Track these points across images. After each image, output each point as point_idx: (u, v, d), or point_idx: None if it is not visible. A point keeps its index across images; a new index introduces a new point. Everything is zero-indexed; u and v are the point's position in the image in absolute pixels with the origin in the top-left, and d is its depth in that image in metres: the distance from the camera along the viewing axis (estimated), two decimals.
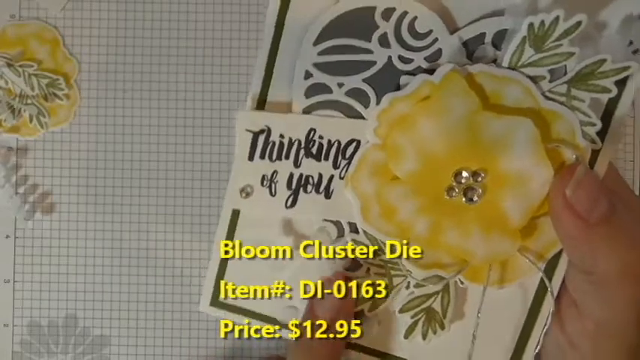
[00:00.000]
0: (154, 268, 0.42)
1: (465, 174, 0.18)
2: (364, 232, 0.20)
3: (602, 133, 0.19)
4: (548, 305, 0.20)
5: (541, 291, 0.20)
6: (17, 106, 0.42)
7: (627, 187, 0.21)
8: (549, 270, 0.20)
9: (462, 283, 0.20)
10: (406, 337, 0.21)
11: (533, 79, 0.18)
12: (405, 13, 0.19)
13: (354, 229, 0.20)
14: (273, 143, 0.21)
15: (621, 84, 0.18)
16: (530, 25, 0.17)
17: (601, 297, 0.20)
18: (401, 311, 0.20)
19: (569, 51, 0.18)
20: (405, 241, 0.19)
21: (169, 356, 0.42)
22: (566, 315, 0.22)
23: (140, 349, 0.42)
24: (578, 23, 0.17)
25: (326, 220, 0.20)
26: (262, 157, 0.21)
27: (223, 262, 0.21)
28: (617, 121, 0.19)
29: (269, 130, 0.21)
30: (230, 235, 0.22)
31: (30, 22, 0.43)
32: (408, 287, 0.20)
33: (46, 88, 0.42)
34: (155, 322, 0.42)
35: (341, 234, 0.21)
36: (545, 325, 0.21)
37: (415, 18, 0.19)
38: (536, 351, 0.21)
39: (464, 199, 0.19)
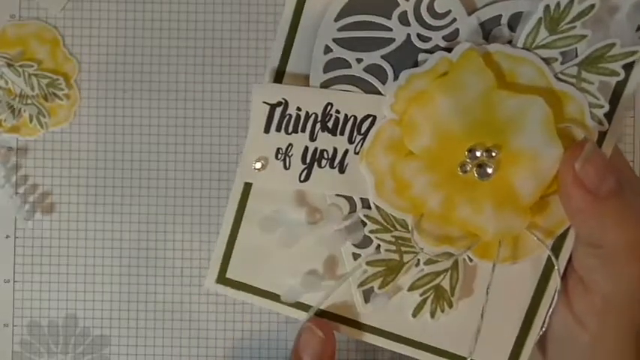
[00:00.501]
0: (154, 268, 0.42)
1: (478, 150, 0.19)
2: (377, 207, 0.20)
3: (609, 115, 0.20)
4: (554, 283, 0.21)
5: (548, 269, 0.21)
6: (17, 106, 0.42)
7: (630, 168, 0.22)
8: (557, 248, 0.21)
9: (470, 260, 0.20)
10: (414, 315, 0.21)
11: (546, 61, 0.19)
12: None
13: (366, 204, 0.20)
14: (290, 116, 0.20)
15: (629, 67, 0.19)
16: (547, 6, 0.18)
17: (608, 272, 0.20)
18: (410, 289, 0.20)
19: (582, 34, 0.18)
20: (417, 217, 0.20)
21: (169, 356, 0.42)
22: (573, 293, 0.22)
23: (140, 349, 0.42)
24: (592, 6, 0.18)
25: (338, 195, 0.21)
26: (278, 129, 0.21)
27: (231, 239, 0.21)
28: (624, 104, 0.20)
29: (286, 103, 0.20)
30: (241, 210, 0.22)
31: (30, 22, 0.43)
32: (417, 264, 0.20)
33: (46, 88, 0.42)
34: (155, 322, 0.42)
35: (353, 209, 0.21)
36: (551, 303, 0.21)
37: None
38: (543, 329, 0.21)
39: (476, 175, 0.19)
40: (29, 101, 0.42)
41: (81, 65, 0.43)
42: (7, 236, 0.43)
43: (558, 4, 0.18)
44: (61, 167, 0.43)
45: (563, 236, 0.21)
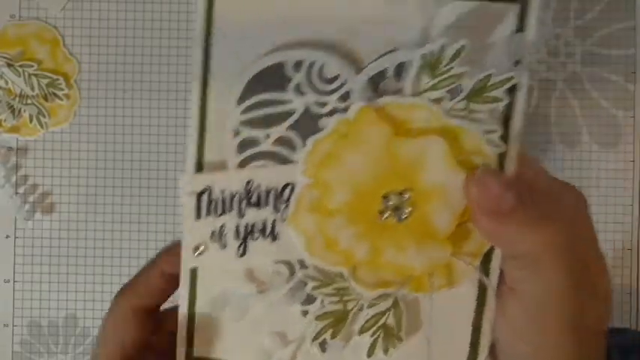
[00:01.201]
0: None
1: (392, 196, 0.21)
2: (313, 265, 0.22)
3: (504, 137, 0.21)
4: (491, 300, 0.22)
5: (483, 288, 0.22)
6: (17, 106, 0.42)
7: (542, 172, 0.23)
8: (485, 266, 0.22)
9: (409, 295, 0.22)
10: (369, 355, 0.22)
11: (435, 101, 0.21)
12: (313, 62, 0.21)
13: (303, 265, 0.22)
14: (216, 200, 0.22)
15: (512, 91, 0.21)
16: (423, 55, 0.20)
17: (535, 278, 0.21)
18: (360, 332, 0.22)
19: (460, 72, 0.20)
20: (350, 267, 0.21)
21: None
22: (508, 306, 0.22)
23: None
24: (462, 47, 0.20)
25: (277, 261, 0.22)
26: (208, 214, 0.22)
27: (191, 320, 0.23)
28: (516, 124, 0.21)
29: (210, 189, 0.22)
30: (193, 294, 0.23)
31: (30, 22, 0.43)
32: (361, 309, 0.22)
33: (46, 88, 0.42)
34: None
35: (292, 272, 0.22)
36: (491, 319, 0.22)
37: (323, 65, 0.21)
38: (489, 344, 0.22)
39: (395, 218, 0.21)
40: (29, 101, 0.42)
41: (81, 65, 0.43)
42: (7, 236, 0.43)
43: (432, 52, 0.20)
44: (61, 167, 0.43)
45: (489, 254, 0.22)
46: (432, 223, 0.21)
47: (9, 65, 0.42)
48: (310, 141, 0.21)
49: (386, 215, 0.20)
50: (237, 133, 0.22)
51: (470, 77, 0.20)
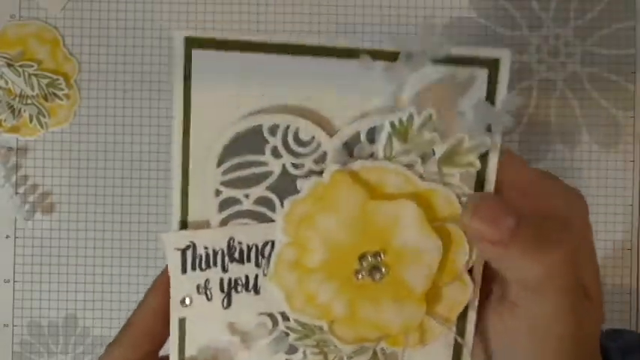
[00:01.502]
0: (154, 268, 0.42)
1: (367, 257, 0.21)
2: (294, 318, 0.23)
3: None
4: (467, 357, 0.23)
5: (458, 346, 0.23)
6: (17, 106, 0.42)
7: (540, 178, 0.23)
8: (461, 326, 0.23)
9: (388, 349, 0.23)
10: None
11: (408, 166, 0.21)
12: (288, 126, 0.22)
13: (285, 317, 0.23)
14: (200, 255, 0.23)
15: (485, 156, 0.21)
16: (392, 123, 0.21)
17: (536, 299, 0.22)
18: None
19: (431, 138, 0.21)
20: (329, 322, 0.22)
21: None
22: (506, 315, 0.23)
23: None
24: (430, 115, 0.21)
25: (260, 314, 0.23)
26: (194, 268, 0.23)
27: None
28: (489, 188, 0.22)
29: (194, 245, 0.23)
30: (182, 343, 0.24)
31: (30, 22, 0.43)
32: None
33: (46, 88, 0.42)
34: None
35: (275, 324, 0.23)
36: None
37: (298, 129, 0.22)
38: None
39: (370, 278, 0.21)
40: (29, 101, 0.42)
41: (81, 65, 0.43)
42: (7, 236, 0.43)
43: (401, 120, 0.21)
44: (61, 167, 0.43)
45: (464, 313, 0.23)
46: (407, 283, 0.22)
47: (9, 65, 0.42)
48: (288, 202, 0.22)
49: (361, 275, 0.21)
50: (218, 193, 0.23)
51: (441, 142, 0.21)
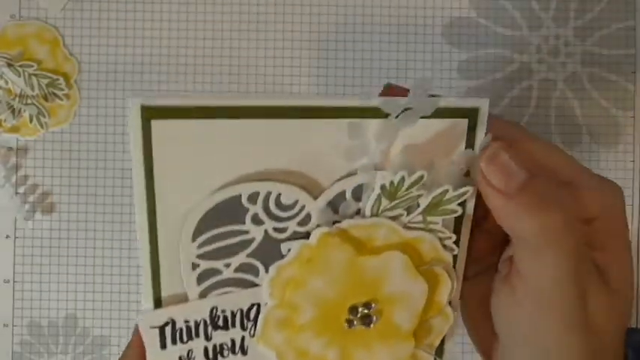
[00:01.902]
0: None
1: (358, 308, 0.22)
2: None
3: (457, 241, 0.23)
4: None
5: None
6: (17, 106, 0.42)
7: (559, 154, 0.24)
8: (440, 350, 0.24)
9: None
10: None
11: (394, 218, 0.22)
12: (269, 193, 0.21)
13: None
14: (181, 330, 0.22)
15: (463, 202, 0.22)
16: (383, 185, 0.21)
17: (533, 260, 0.22)
18: None
19: (418, 194, 0.21)
20: None
21: None
22: (514, 284, 0.23)
23: None
24: (421, 176, 0.21)
25: None
26: (174, 343, 0.22)
27: None
28: (465, 228, 0.23)
29: (173, 321, 0.22)
30: None
31: (30, 22, 0.43)
32: None
33: (46, 88, 0.42)
34: None
35: None
36: None
37: (279, 194, 0.21)
38: None
39: (363, 326, 0.22)
40: (29, 101, 0.42)
41: (81, 65, 0.43)
42: (7, 236, 0.43)
43: (392, 182, 0.21)
44: (61, 167, 0.43)
45: (442, 346, 0.24)
46: (397, 325, 0.22)
47: (9, 65, 0.42)
48: (274, 268, 0.21)
49: (354, 324, 0.22)
50: (195, 267, 0.22)
51: (426, 195, 0.21)
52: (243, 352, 0.23)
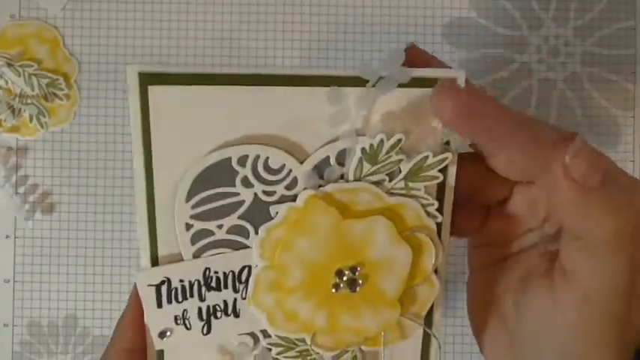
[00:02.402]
0: None
1: (344, 271, 0.23)
2: (275, 334, 0.24)
3: (439, 209, 0.23)
4: (435, 348, 0.25)
5: (427, 338, 0.25)
6: (17, 106, 0.42)
7: (616, 165, 0.23)
8: (428, 320, 0.25)
9: (367, 350, 0.24)
10: None
11: (377, 184, 0.22)
12: (258, 156, 0.22)
13: (266, 334, 0.24)
14: (176, 289, 0.23)
15: (444, 169, 0.23)
16: (363, 148, 0.22)
17: (590, 265, 0.21)
18: None
19: (398, 159, 0.22)
20: (311, 334, 0.24)
21: None
22: (557, 284, 0.22)
23: None
24: (399, 140, 0.22)
25: (241, 334, 0.24)
26: (169, 302, 0.23)
27: None
28: (448, 196, 0.24)
29: (169, 280, 0.23)
30: None
31: (30, 22, 0.43)
32: None
33: (46, 88, 0.42)
34: None
35: (257, 341, 0.24)
36: (438, 353, 0.25)
37: (267, 158, 0.22)
38: None
39: (349, 290, 0.23)
40: (29, 101, 0.42)
41: (81, 65, 0.43)
42: (7, 236, 0.43)
43: (372, 145, 0.22)
44: (61, 167, 0.43)
45: (431, 310, 0.25)
46: (382, 290, 0.23)
47: (9, 65, 0.42)
48: (263, 229, 0.22)
49: (340, 287, 0.22)
50: (189, 227, 0.23)
51: (407, 161, 0.22)
52: (236, 314, 0.24)
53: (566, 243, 0.22)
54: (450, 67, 0.22)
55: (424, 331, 0.25)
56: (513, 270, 0.25)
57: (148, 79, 0.21)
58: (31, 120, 0.42)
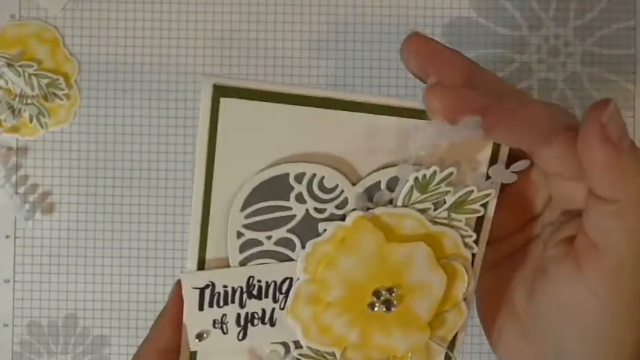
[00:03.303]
0: (153, 268, 0.42)
1: (382, 291, 0.24)
2: (307, 345, 0.25)
3: (476, 241, 0.25)
4: None
5: (448, 356, 0.26)
6: (17, 106, 0.42)
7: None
8: (451, 345, 0.26)
9: None
10: None
11: (422, 211, 0.24)
12: (314, 175, 0.23)
13: (298, 345, 0.25)
14: (219, 294, 0.24)
15: (485, 204, 0.24)
16: (416, 178, 0.23)
17: (623, 230, 0.21)
18: None
19: (446, 190, 0.23)
20: (342, 349, 0.24)
21: None
22: (584, 260, 0.22)
23: None
24: (451, 173, 0.23)
25: (274, 342, 0.25)
26: (211, 306, 0.24)
27: None
28: (485, 229, 0.25)
29: (213, 285, 0.24)
30: None
31: (30, 22, 0.43)
32: None
33: (46, 88, 0.42)
34: None
35: (288, 351, 0.25)
36: None
37: (323, 177, 0.23)
38: None
39: (385, 310, 0.24)
40: (29, 101, 0.42)
41: (81, 65, 0.43)
42: (7, 236, 0.43)
43: (425, 176, 0.23)
44: (61, 167, 0.43)
45: (453, 340, 0.26)
46: (415, 312, 0.24)
47: (9, 65, 0.42)
48: (310, 243, 0.23)
49: (376, 307, 0.23)
50: (240, 235, 0.24)
51: (453, 193, 0.23)
52: (272, 323, 0.24)
53: (596, 212, 0.22)
54: (457, 51, 0.23)
55: (446, 354, 0.25)
56: (522, 263, 0.25)
57: (221, 92, 0.22)
58: (31, 120, 0.42)
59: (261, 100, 0.22)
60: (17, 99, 0.42)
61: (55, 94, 0.42)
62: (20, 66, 0.42)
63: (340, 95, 0.23)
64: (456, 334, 0.25)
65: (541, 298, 0.24)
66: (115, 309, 0.42)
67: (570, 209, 0.24)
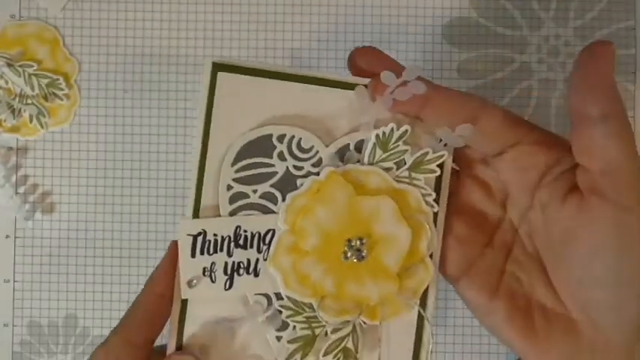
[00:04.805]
0: (153, 268, 0.42)
1: (353, 241, 0.26)
2: (288, 297, 0.27)
3: (436, 200, 0.28)
4: (428, 329, 0.28)
5: (421, 317, 0.28)
6: (17, 106, 0.42)
7: None
8: (423, 301, 0.28)
9: (365, 323, 0.27)
10: None
11: (386, 170, 0.27)
12: (293, 136, 0.27)
13: (279, 297, 0.27)
14: (209, 242, 0.27)
15: (441, 165, 0.27)
16: (377, 135, 0.26)
17: (613, 187, 0.25)
18: (324, 354, 0.27)
19: (404, 149, 0.26)
20: (319, 299, 0.27)
21: None
22: (589, 204, 0.25)
23: None
24: (406, 131, 0.26)
25: (257, 294, 0.27)
26: (202, 253, 0.27)
27: (179, 342, 0.28)
28: (444, 189, 0.27)
29: (205, 232, 0.27)
30: (181, 326, 0.27)
31: (30, 22, 0.43)
32: (326, 334, 0.27)
33: (46, 88, 0.42)
34: None
35: (270, 303, 0.27)
36: (430, 339, 0.28)
37: (301, 139, 0.27)
38: (430, 350, 0.28)
39: (355, 259, 0.26)
40: (29, 101, 0.42)
41: (81, 65, 0.43)
42: (7, 236, 0.43)
43: (384, 133, 0.26)
44: (61, 167, 0.43)
45: (425, 292, 0.28)
46: (384, 263, 0.26)
47: (9, 65, 0.42)
48: (290, 196, 0.27)
49: (348, 255, 0.26)
50: (230, 188, 0.27)
51: (411, 154, 0.27)
52: (256, 273, 0.27)
53: (596, 132, 0.26)
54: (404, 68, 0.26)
55: (419, 315, 0.28)
56: (499, 251, 0.28)
57: (218, 67, 0.27)
58: (31, 120, 0.42)
59: (252, 75, 0.27)
60: (17, 99, 0.42)
61: (55, 94, 0.42)
62: (20, 66, 0.42)
63: (321, 75, 0.27)
64: (427, 292, 0.27)
65: (576, 243, 0.26)
66: (115, 309, 0.42)
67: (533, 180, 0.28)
